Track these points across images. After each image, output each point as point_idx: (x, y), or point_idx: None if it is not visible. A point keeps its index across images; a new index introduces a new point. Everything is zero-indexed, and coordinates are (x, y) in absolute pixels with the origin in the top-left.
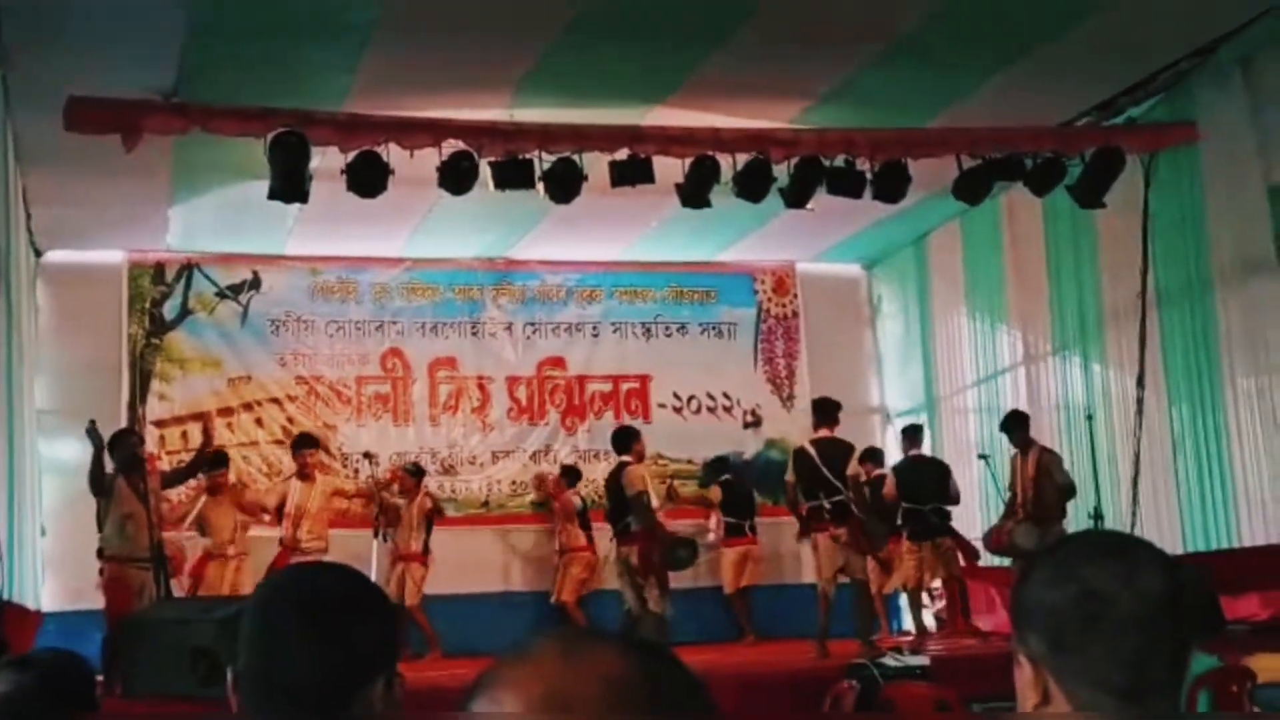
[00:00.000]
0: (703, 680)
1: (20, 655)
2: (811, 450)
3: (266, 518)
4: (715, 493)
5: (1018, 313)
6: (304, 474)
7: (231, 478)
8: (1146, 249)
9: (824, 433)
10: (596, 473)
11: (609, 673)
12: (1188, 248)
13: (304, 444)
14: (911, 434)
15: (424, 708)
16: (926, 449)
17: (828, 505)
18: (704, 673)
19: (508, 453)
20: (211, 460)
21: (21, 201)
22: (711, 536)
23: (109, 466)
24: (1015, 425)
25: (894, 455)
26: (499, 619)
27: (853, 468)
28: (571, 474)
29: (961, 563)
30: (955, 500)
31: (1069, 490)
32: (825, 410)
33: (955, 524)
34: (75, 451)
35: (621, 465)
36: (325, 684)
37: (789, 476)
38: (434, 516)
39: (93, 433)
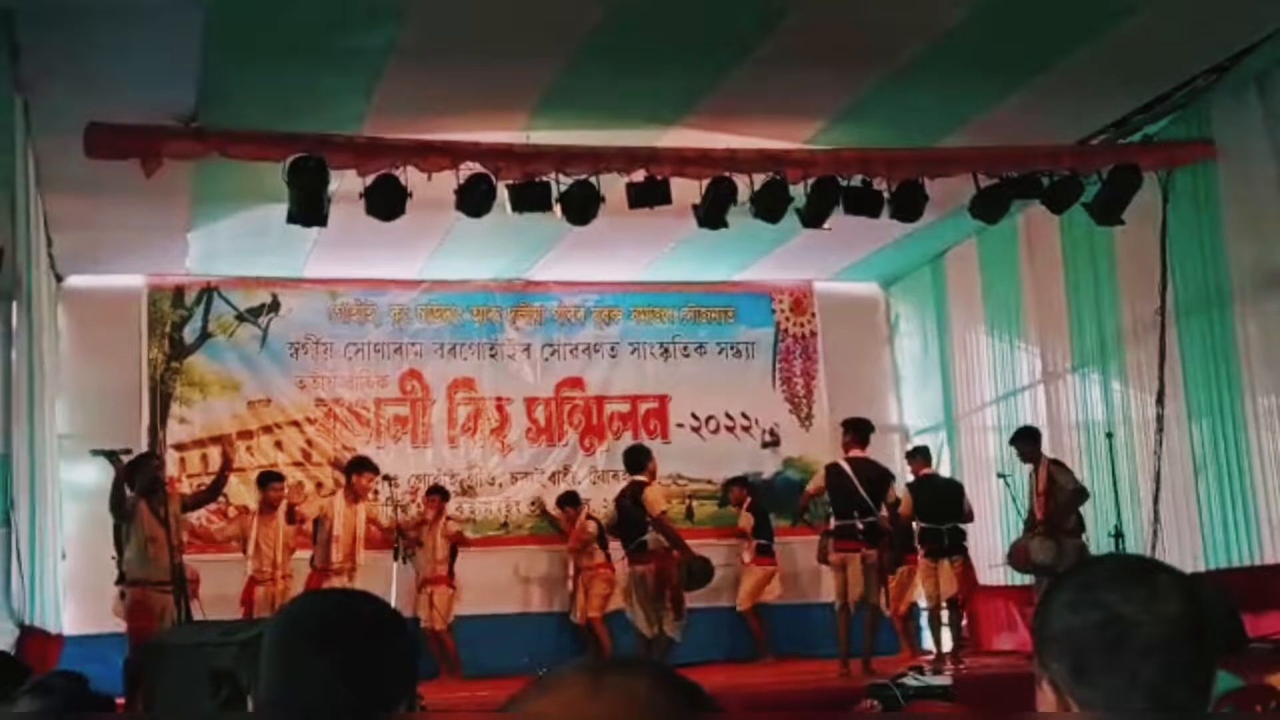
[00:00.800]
0: (724, 707)
1: (39, 680)
2: (848, 468)
3: (306, 527)
4: (747, 519)
5: (1036, 330)
6: (357, 497)
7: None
8: (1165, 266)
9: (856, 452)
10: (615, 493)
11: (634, 703)
12: (1206, 264)
13: (364, 467)
14: (920, 454)
15: None
16: (946, 467)
17: (860, 525)
18: (725, 693)
19: (526, 474)
20: (266, 476)
21: (43, 227)
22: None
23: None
24: (1022, 439)
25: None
26: (519, 640)
27: (892, 493)
28: (572, 499)
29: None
30: (970, 518)
31: (1080, 494)
32: (860, 430)
33: (974, 541)
34: (96, 475)
35: (638, 485)
36: (346, 710)
37: (812, 488)
38: (459, 542)
39: (114, 458)
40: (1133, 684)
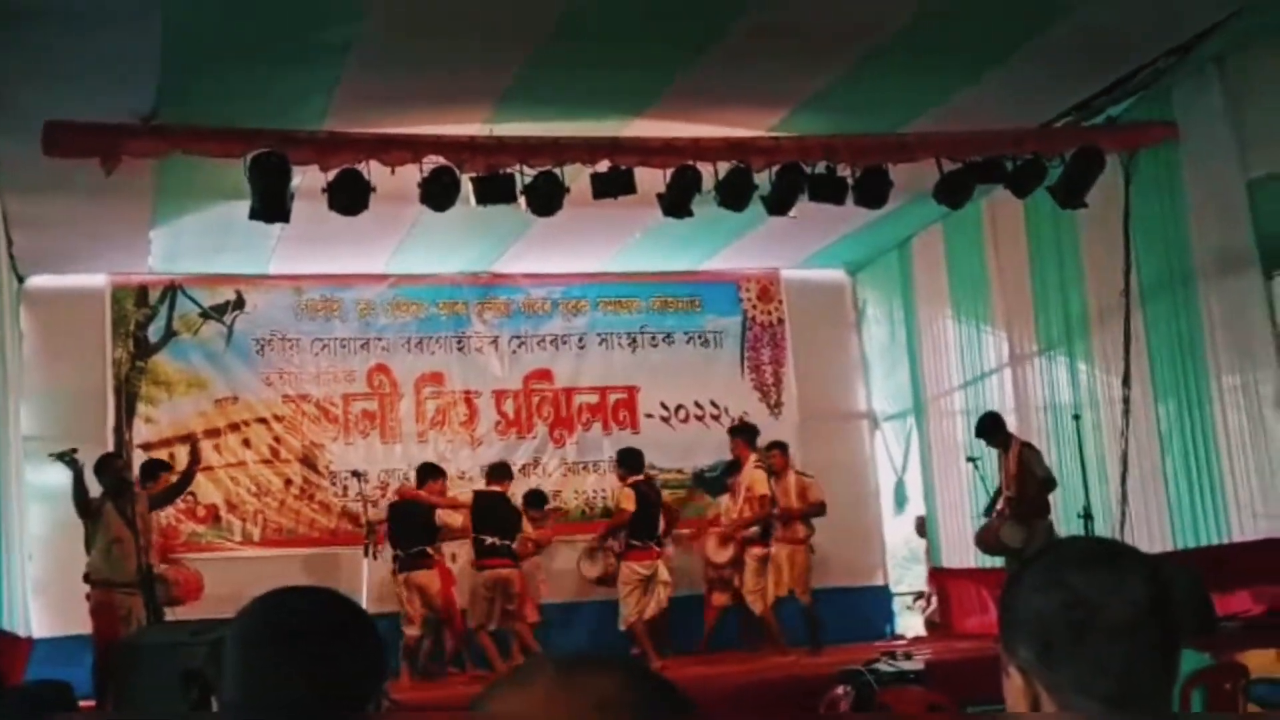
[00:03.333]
0: (692, 700)
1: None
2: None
3: None
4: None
5: (1002, 314)
6: None
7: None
8: (1128, 247)
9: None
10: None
11: (605, 700)
12: (1169, 245)
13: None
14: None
15: None
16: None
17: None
18: (697, 684)
19: None
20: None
21: (2, 227)
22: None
23: (95, 491)
24: (991, 429)
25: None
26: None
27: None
28: (542, 499)
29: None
30: None
31: (1049, 483)
32: (635, 462)
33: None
34: (61, 477)
35: (653, 481)
36: (311, 708)
37: (631, 507)
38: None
39: (71, 460)
40: (1099, 666)
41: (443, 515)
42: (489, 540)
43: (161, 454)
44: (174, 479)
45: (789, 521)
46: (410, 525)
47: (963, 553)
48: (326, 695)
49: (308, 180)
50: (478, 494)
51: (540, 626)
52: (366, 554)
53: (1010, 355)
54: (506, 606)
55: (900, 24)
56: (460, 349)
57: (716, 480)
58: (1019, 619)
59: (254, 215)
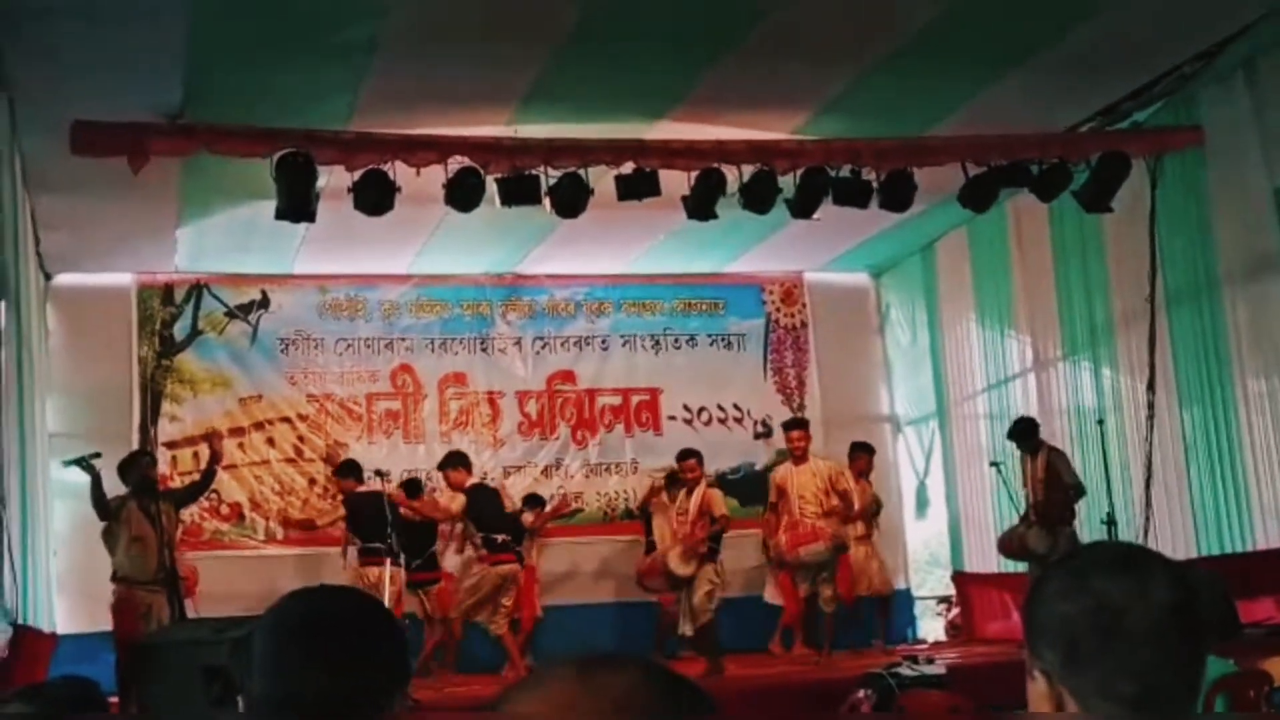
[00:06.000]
0: (716, 701)
1: (32, 685)
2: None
3: None
4: None
5: (1026, 318)
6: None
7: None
8: (1154, 252)
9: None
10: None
11: (626, 698)
12: (1195, 250)
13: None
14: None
15: None
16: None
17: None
18: (719, 685)
19: (519, 468)
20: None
21: (30, 225)
22: None
23: (119, 489)
24: (1024, 433)
25: None
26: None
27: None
28: (540, 500)
29: None
30: None
31: (1078, 490)
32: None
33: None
34: (85, 474)
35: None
36: (340, 709)
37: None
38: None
39: (89, 465)
40: (1124, 671)
41: (443, 510)
42: (500, 538)
43: (185, 452)
44: (196, 477)
45: (856, 520)
46: (414, 533)
47: (985, 558)
48: (354, 692)
49: (333, 180)
50: (471, 491)
51: (541, 624)
52: (345, 552)
53: (1034, 360)
54: (504, 602)
55: (923, 27)
56: (484, 350)
57: (741, 482)
58: (1044, 623)
59: (280, 215)
